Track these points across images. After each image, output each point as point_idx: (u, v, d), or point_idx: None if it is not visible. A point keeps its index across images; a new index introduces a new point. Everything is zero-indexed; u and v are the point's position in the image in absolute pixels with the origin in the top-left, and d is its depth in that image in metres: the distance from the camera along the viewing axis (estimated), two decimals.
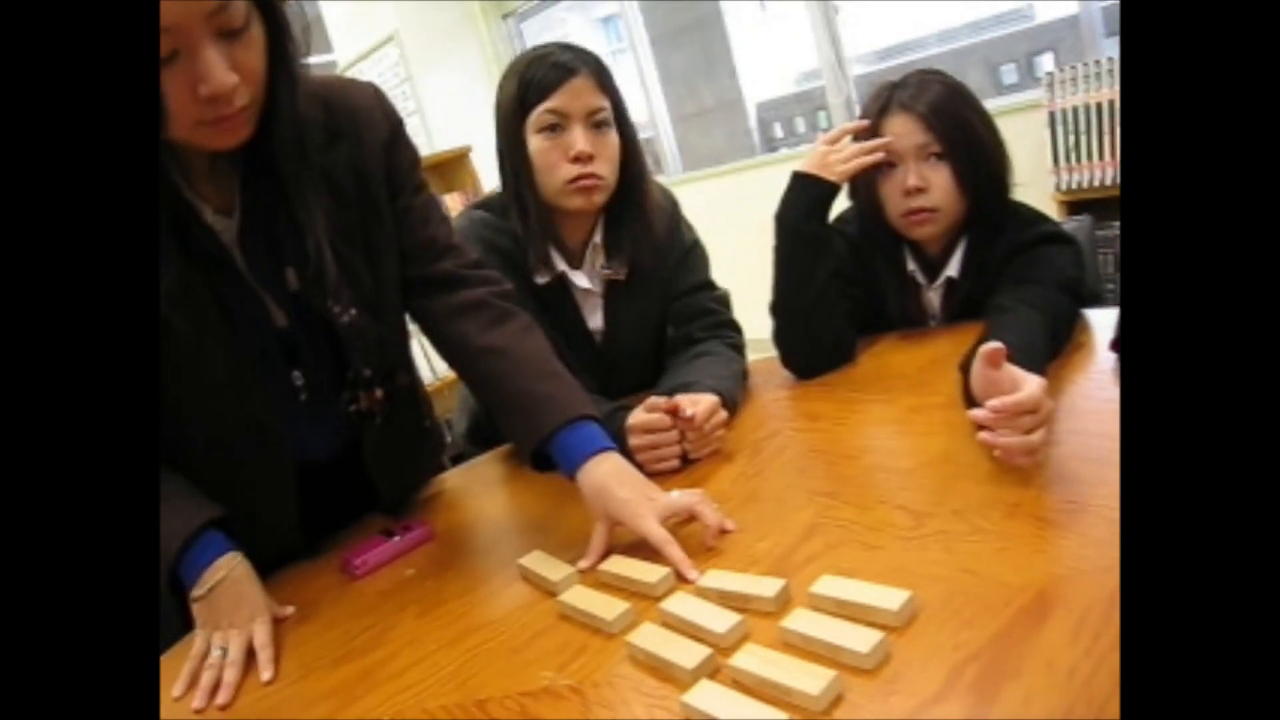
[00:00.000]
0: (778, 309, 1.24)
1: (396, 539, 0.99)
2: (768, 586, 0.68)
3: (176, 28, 0.67)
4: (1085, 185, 2.70)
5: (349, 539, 1.05)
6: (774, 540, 0.79)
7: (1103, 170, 2.66)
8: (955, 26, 4.27)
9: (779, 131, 4.96)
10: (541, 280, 1.21)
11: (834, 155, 1.20)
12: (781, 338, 1.25)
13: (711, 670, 0.62)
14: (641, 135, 1.29)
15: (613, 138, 1.18)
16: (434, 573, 0.93)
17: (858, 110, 1.28)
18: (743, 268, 1.81)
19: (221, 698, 0.77)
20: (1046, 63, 3.80)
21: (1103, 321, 1.12)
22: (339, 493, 1.07)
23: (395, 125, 0.97)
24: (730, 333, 1.29)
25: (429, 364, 2.87)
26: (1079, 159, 2.70)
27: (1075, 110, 2.66)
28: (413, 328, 1.06)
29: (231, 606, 0.84)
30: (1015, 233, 1.17)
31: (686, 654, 0.62)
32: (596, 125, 1.16)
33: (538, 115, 1.15)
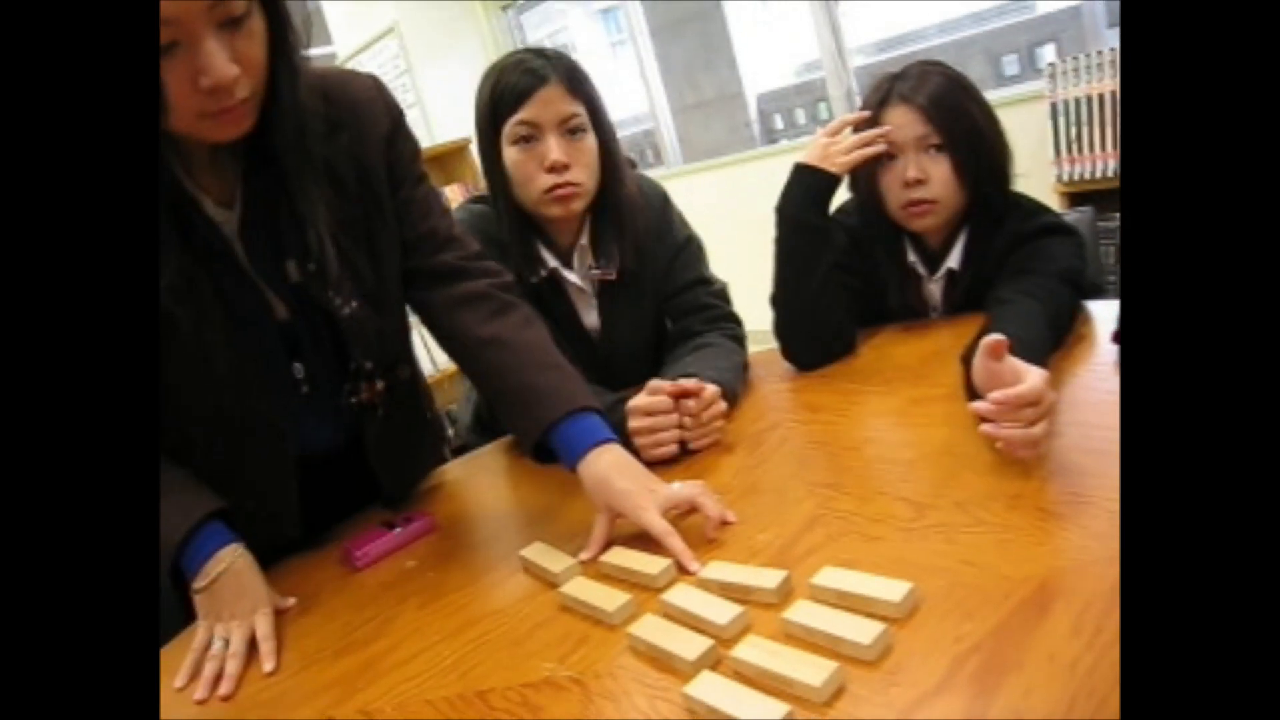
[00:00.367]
0: (778, 301, 1.24)
1: (398, 530, 0.99)
2: (769, 578, 0.68)
3: (177, 19, 0.67)
4: (1087, 176, 2.70)
5: (350, 530, 1.05)
6: (775, 532, 0.80)
7: (1104, 162, 2.65)
8: (957, 17, 4.26)
9: (779, 123, 4.95)
10: (533, 279, 1.22)
11: (835, 147, 1.19)
12: (782, 330, 1.25)
13: (713, 662, 0.62)
14: (641, 127, 1.29)
15: (589, 142, 1.18)
16: (435, 564, 0.93)
17: (858, 101, 1.28)
18: (744, 260, 1.81)
19: (224, 689, 0.77)
20: (1048, 54, 3.79)
21: (1104, 313, 1.12)
22: (340, 485, 1.07)
23: (396, 117, 0.96)
24: (730, 324, 1.29)
25: (430, 356, 2.87)
26: (1080, 150, 2.69)
27: (1077, 101, 2.65)
28: (413, 320, 1.06)
29: (233, 598, 0.84)
30: (1016, 224, 1.17)
31: (688, 645, 0.63)
32: (571, 132, 1.15)
33: (511, 127, 1.15)
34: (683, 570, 0.76)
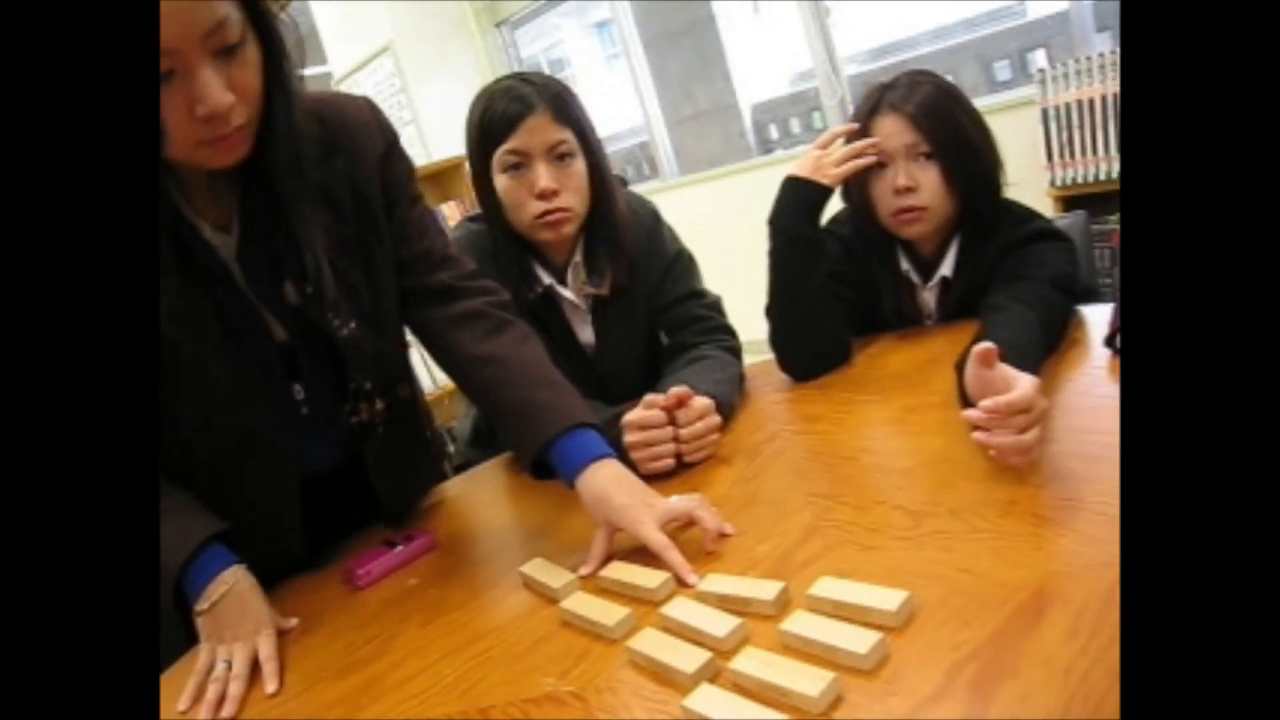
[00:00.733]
0: (773, 312, 1.25)
1: (399, 549, 1.00)
2: (767, 589, 0.69)
3: (173, 49, 0.67)
4: (1079, 180, 2.71)
5: (352, 550, 1.05)
6: (773, 543, 0.80)
7: (1096, 165, 2.67)
8: (948, 24, 4.28)
9: (774, 133, 4.97)
10: (529, 296, 1.23)
11: (826, 159, 1.20)
12: (777, 340, 1.26)
13: (712, 674, 0.62)
14: (637, 140, 1.31)
15: (578, 167, 1.19)
16: (437, 581, 0.93)
17: (852, 110, 1.28)
18: (741, 270, 1.81)
19: (227, 711, 0.78)
20: (1039, 59, 3.81)
21: (1098, 317, 1.12)
22: (342, 504, 1.07)
23: (390, 138, 0.97)
24: (725, 336, 1.29)
25: (429, 374, 2.87)
26: (1072, 154, 2.71)
27: (1068, 106, 2.67)
28: (412, 338, 1.07)
29: (236, 619, 0.85)
30: (1008, 231, 1.18)
31: (687, 658, 0.63)
32: (559, 158, 1.17)
33: (500, 155, 1.16)
34: (681, 583, 0.76)
